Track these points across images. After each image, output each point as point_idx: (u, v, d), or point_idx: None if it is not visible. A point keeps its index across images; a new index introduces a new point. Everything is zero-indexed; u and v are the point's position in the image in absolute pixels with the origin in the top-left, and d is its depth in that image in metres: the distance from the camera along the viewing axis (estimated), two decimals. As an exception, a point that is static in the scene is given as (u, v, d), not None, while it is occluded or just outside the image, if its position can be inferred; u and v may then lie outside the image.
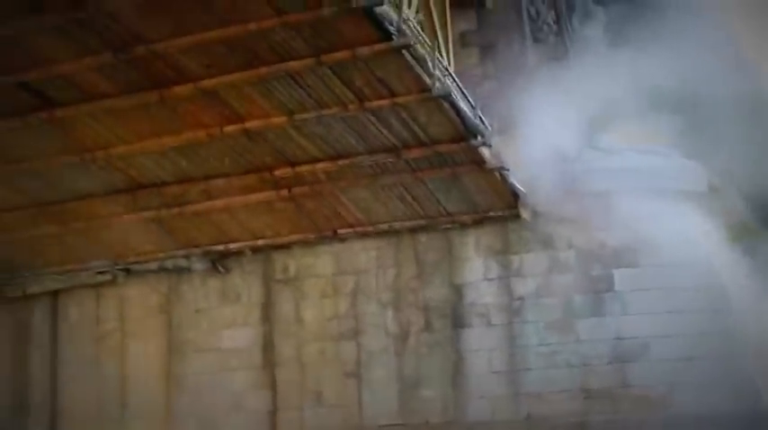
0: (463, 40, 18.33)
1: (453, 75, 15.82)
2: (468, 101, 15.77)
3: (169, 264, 19.14)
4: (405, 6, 14.96)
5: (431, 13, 16.55)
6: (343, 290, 18.26)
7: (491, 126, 16.42)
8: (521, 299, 17.28)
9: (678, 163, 18.32)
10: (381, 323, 17.92)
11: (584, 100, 17.78)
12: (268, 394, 18.46)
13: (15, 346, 20.52)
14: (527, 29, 18.27)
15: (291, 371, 18.35)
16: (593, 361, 16.86)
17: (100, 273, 19.61)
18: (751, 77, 19.26)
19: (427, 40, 14.95)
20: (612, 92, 18.13)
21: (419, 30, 15.07)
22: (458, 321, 17.55)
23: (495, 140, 16.40)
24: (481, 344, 17.39)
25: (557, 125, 17.28)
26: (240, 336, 18.79)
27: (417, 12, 15.96)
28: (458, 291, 17.64)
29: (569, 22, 18.63)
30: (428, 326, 17.68)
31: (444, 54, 16.60)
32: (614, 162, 17.76)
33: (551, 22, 18.46)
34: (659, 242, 16.99)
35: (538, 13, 18.37)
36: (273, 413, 18.37)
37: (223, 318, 18.97)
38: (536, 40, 18.35)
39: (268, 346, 18.59)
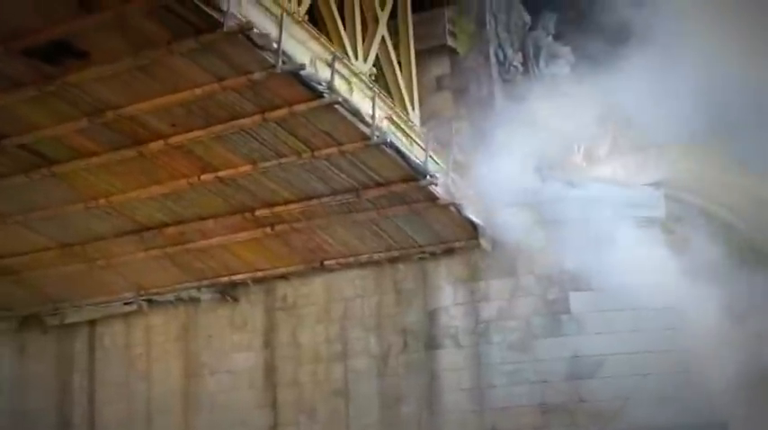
0: (438, 84, 19.75)
1: (401, 120, 17.38)
2: (418, 143, 17.27)
3: (184, 295, 21.17)
4: (360, 61, 16.76)
5: (392, 64, 18.09)
6: (333, 316, 19.92)
7: (449, 163, 17.94)
8: (486, 322, 18.59)
9: (638, 191, 19.45)
10: (365, 346, 19.51)
11: (547, 135, 19.12)
12: (270, 412, 20.25)
13: (59, 371, 22.85)
14: (495, 72, 19.51)
15: (289, 390, 20.11)
16: (550, 378, 18.09)
17: (127, 303, 21.71)
18: (713, 110, 20.28)
19: (368, 90, 16.48)
20: (576, 126, 19.46)
21: (369, 82, 16.76)
22: (431, 343, 18.98)
23: (450, 177, 17.91)
24: (451, 364, 18.77)
25: (520, 159, 18.61)
26: (246, 360, 20.65)
27: (375, 64, 17.62)
28: (431, 315, 19.07)
29: (536, 62, 19.87)
30: (406, 349, 19.18)
31: (408, 100, 18.22)
32: (575, 192, 18.95)
33: (518, 64, 19.72)
34: (614, 266, 18.07)
35: (505, 56, 19.64)
36: (274, 428, 20.12)
37: (232, 343, 20.87)
38: (504, 81, 19.59)
39: (270, 368, 20.40)
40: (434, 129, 18.98)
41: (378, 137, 16.09)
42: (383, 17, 17.92)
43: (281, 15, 14.55)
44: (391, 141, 16.43)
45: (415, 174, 17.10)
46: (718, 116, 21.21)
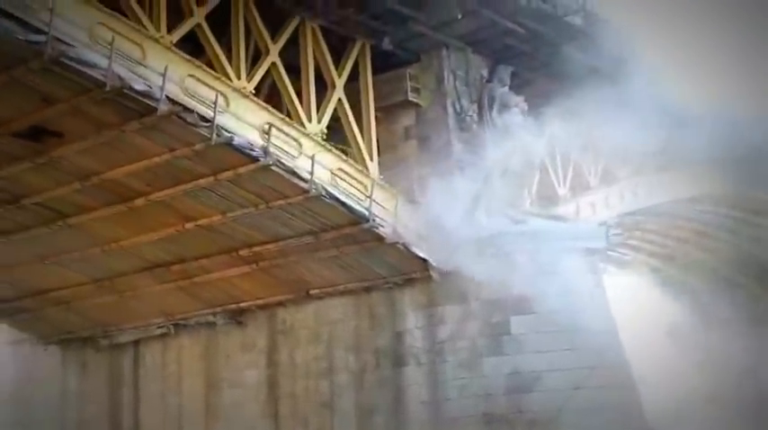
0: (406, 134, 22.14)
1: (355, 170, 19.86)
2: (362, 192, 19.74)
3: (202, 320, 24.21)
4: (313, 122, 19.41)
5: (349, 122, 20.57)
6: (321, 338, 22.60)
7: (397, 206, 20.32)
8: (441, 342, 20.92)
9: (581, 225, 21.51)
10: (346, 364, 22.10)
11: (497, 176, 21.41)
12: (272, 422, 23.07)
13: (111, 385, 26.32)
14: (452, 122, 21.73)
15: (288, 402, 22.93)
16: (493, 391, 20.29)
17: (160, 327, 24.90)
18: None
19: (316, 147, 19.10)
20: (523, 168, 21.68)
21: (319, 141, 19.39)
22: (398, 361, 21.42)
23: (398, 218, 20.28)
24: (414, 379, 21.17)
25: (469, 199, 20.95)
26: (254, 376, 23.51)
27: (331, 121, 20.17)
28: (399, 337, 21.50)
29: (489, 113, 22.02)
30: (378, 366, 21.67)
31: (366, 153, 20.68)
32: (518, 227, 21.12)
33: (473, 114, 21.91)
34: (552, 291, 20.18)
35: (462, 107, 21.83)
36: (278, 437, 23.06)
37: (244, 362, 23.79)
38: (461, 129, 21.73)
39: (272, 384, 23.22)
40: (401, 173, 21.39)
41: (315, 190, 18.64)
42: (339, 83, 20.43)
43: (216, 96, 17.32)
44: (330, 192, 18.99)
45: (359, 219, 19.56)
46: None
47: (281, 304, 23.20)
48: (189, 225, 20.45)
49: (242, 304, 23.54)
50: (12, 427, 28.02)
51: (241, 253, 21.40)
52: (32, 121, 17.40)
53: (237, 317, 23.82)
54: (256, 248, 21.16)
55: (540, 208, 23.88)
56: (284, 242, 20.71)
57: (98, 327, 26.03)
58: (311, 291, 22.45)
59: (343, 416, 22.04)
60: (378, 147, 21.56)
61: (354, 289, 22.03)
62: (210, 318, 24.13)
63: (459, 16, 20.45)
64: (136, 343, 25.92)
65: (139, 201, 19.73)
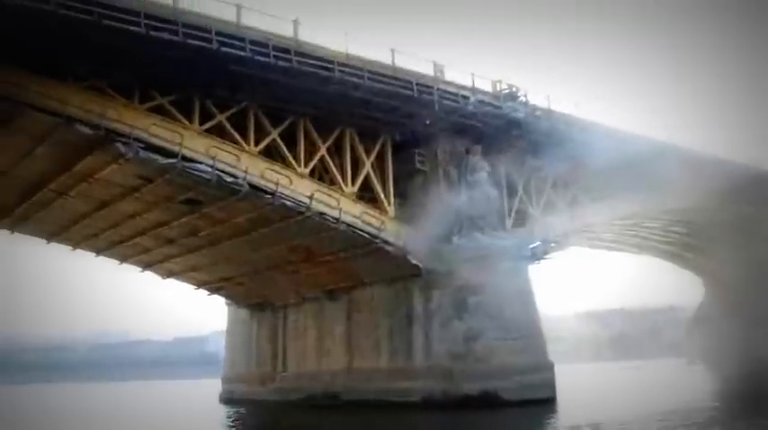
0: (419, 188, 30.83)
1: (377, 212, 29.05)
2: (374, 225, 29.06)
3: (314, 296, 34.15)
4: (349, 187, 29.01)
5: (375, 185, 29.92)
6: (372, 307, 31.65)
7: (400, 231, 29.49)
8: (431, 311, 29.67)
9: (513, 241, 30.00)
10: (385, 323, 31.18)
11: (467, 212, 30.17)
12: (348, 355, 32.47)
13: (274, 332, 36.80)
14: (442, 180, 30.36)
15: (356, 345, 32.17)
16: (456, 340, 28.88)
17: (294, 299, 35.21)
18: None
19: (350, 202, 28.58)
20: (483, 207, 30.33)
21: (352, 198, 28.90)
22: (410, 322, 30.05)
23: (402, 239, 29.47)
24: (417, 333, 29.92)
25: (449, 225, 29.85)
26: (340, 330, 33.13)
27: (362, 184, 29.62)
28: (411, 308, 30.19)
29: (466, 173, 30.61)
30: (401, 324, 30.69)
31: (386, 202, 29.94)
32: (477, 243, 29.75)
33: (455, 175, 30.60)
34: (494, 282, 28.80)
35: (448, 171, 30.43)
36: (350, 361, 32.63)
37: (335, 321, 33.39)
38: (448, 184, 30.16)
39: (349, 334, 32.66)
40: (417, 213, 30.32)
41: (341, 227, 28.10)
42: (368, 161, 29.59)
43: (277, 180, 27.14)
44: (350, 227, 28.33)
45: (372, 241, 28.96)
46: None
47: (352, 287, 32.38)
48: (285, 246, 30.42)
49: (330, 287, 33.19)
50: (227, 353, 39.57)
51: (319, 259, 31.10)
52: (185, 196, 27.67)
53: (330, 294, 33.59)
54: (325, 258, 30.87)
55: (517, 226, 32.40)
56: (337, 254, 30.30)
57: (262, 298, 36.69)
58: (365, 280, 31.92)
59: (382, 354, 31.30)
60: (406, 196, 30.76)
61: (386, 280, 30.95)
62: (317, 295, 34.09)
63: (428, 122, 29.19)
64: (284, 307, 36.11)
65: (254, 234, 29.57)
